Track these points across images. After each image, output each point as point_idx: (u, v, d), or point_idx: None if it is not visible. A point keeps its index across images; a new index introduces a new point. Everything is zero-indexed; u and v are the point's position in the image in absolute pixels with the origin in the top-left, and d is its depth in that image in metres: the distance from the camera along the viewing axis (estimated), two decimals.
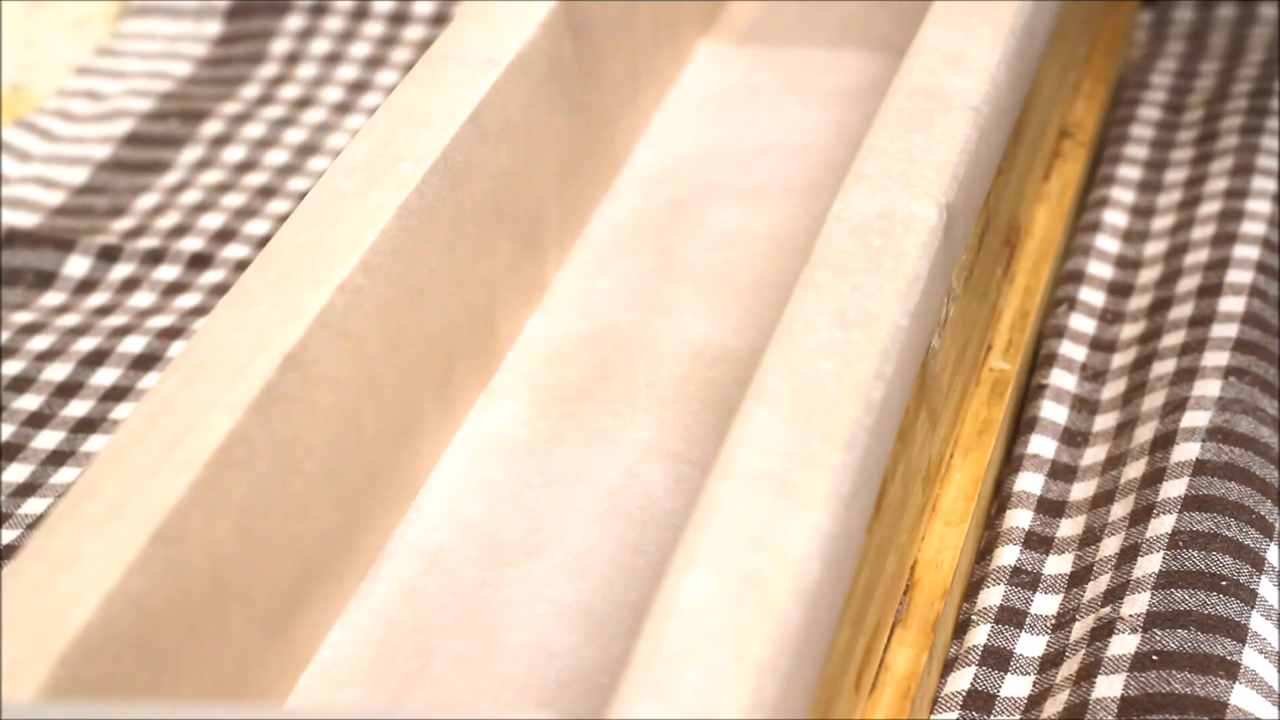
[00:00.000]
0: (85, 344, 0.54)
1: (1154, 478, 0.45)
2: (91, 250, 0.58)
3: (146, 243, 0.58)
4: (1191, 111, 0.59)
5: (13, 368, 0.53)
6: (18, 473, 0.50)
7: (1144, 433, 0.46)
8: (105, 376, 0.53)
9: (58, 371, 0.53)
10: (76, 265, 0.58)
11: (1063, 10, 0.53)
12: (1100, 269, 0.53)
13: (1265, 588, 0.42)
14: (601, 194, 0.52)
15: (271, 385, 0.37)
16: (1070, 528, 0.45)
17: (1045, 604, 0.43)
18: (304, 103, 0.65)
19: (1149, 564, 0.42)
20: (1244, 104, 0.58)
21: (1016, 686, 0.41)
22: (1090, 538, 0.44)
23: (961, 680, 0.41)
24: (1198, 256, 0.52)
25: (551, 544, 0.42)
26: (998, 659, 0.42)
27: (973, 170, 0.42)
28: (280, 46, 0.68)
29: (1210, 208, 0.53)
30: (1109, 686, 0.40)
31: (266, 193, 0.60)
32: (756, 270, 0.49)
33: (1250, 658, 0.40)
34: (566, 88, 0.49)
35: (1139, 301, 0.51)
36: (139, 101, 0.65)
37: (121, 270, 0.57)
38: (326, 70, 0.67)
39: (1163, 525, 0.43)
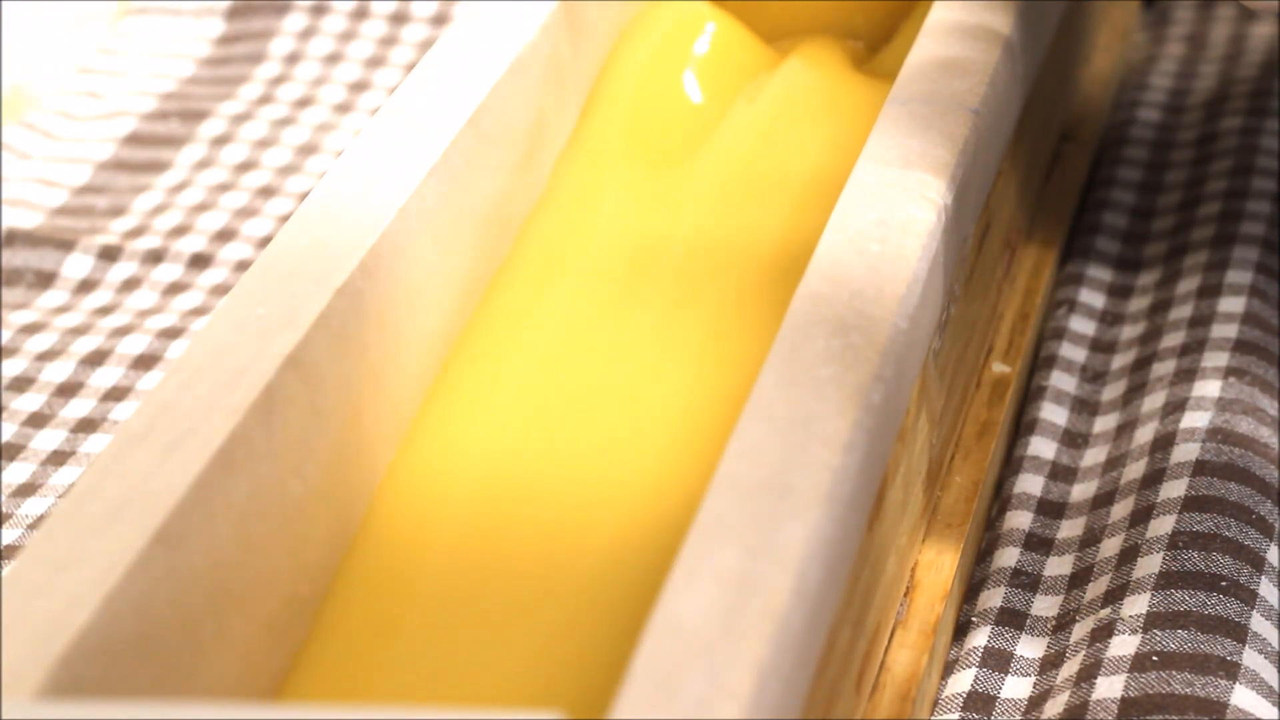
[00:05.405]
0: (85, 344, 0.54)
1: (1154, 478, 0.45)
2: (92, 250, 0.58)
3: (147, 242, 0.58)
4: (1191, 112, 0.59)
5: (13, 368, 0.53)
6: (18, 473, 0.50)
7: (1144, 434, 0.46)
8: (105, 376, 0.53)
9: (58, 371, 0.53)
10: (77, 265, 0.57)
11: (1063, 11, 0.53)
12: (1100, 271, 0.53)
13: (1265, 588, 0.42)
14: None
15: (272, 387, 0.37)
16: (1070, 529, 0.45)
17: (1045, 605, 0.43)
18: (304, 102, 0.65)
19: (1149, 565, 0.42)
20: (1244, 104, 0.58)
21: (1017, 688, 0.41)
22: (1090, 539, 0.44)
23: (962, 682, 0.41)
24: (1197, 257, 0.52)
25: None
26: (998, 660, 0.42)
27: (972, 172, 0.42)
28: (281, 46, 0.68)
29: (1210, 208, 0.53)
30: (1109, 687, 0.40)
31: (267, 193, 0.60)
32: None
33: (1250, 658, 0.40)
34: (566, 88, 0.49)
35: (1139, 303, 0.51)
36: (139, 101, 0.65)
37: (122, 270, 0.57)
38: (327, 70, 0.67)
39: (1163, 526, 0.43)
